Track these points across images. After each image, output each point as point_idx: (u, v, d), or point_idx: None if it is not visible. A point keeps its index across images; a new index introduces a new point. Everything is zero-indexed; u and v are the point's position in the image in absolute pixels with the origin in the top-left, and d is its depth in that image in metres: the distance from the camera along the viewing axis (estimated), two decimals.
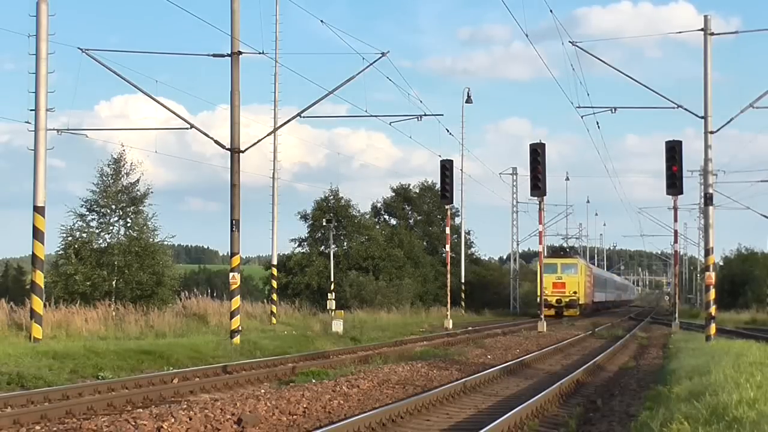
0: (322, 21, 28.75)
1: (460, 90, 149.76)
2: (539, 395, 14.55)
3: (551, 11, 26.35)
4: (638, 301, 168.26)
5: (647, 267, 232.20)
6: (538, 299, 51.59)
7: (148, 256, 38.02)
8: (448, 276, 50.27)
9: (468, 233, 70.11)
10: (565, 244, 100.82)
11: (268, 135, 34.78)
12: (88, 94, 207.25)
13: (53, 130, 25.85)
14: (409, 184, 69.31)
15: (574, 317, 59.76)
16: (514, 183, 75.22)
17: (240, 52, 27.15)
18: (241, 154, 27.10)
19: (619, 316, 67.90)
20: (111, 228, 38.49)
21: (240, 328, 26.64)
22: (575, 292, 63.36)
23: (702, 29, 26.10)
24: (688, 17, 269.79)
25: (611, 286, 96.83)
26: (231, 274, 27.05)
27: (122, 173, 38.58)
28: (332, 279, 44.67)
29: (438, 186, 46.75)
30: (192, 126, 27.93)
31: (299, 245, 59.51)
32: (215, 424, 11.63)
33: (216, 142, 27.68)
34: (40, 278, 23.55)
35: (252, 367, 20.63)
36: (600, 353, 25.70)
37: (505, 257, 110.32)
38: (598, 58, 33.27)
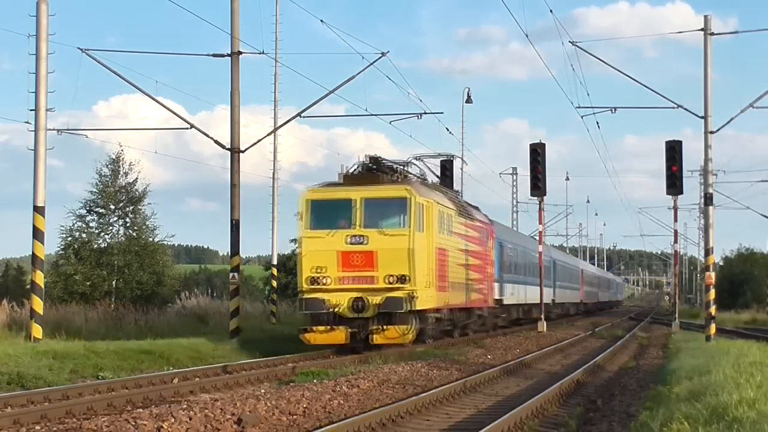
0: (322, 21, 28.26)
1: (459, 90, 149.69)
2: (539, 395, 14.54)
3: (551, 11, 26.26)
4: (638, 301, 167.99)
5: (647, 267, 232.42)
6: (300, 295, 24.46)
7: (147, 256, 38.05)
8: None
9: None
10: (565, 244, 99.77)
11: (268, 135, 34.76)
12: (87, 94, 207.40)
13: (53, 130, 25.82)
14: None
15: (400, 346, 24.51)
16: (514, 183, 75.14)
17: (240, 52, 27.18)
18: (241, 154, 27.10)
19: (618, 317, 67.56)
20: (110, 228, 38.53)
21: (240, 328, 26.62)
22: (404, 278, 24.05)
23: (702, 29, 26.11)
24: (685, 17, 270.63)
25: (565, 276, 59.15)
26: (231, 274, 27.04)
27: (120, 173, 38.63)
28: None
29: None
30: (192, 126, 27.94)
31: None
32: (215, 424, 11.63)
33: (216, 142, 27.71)
34: (40, 278, 23.54)
35: (252, 367, 20.62)
36: (600, 353, 25.69)
37: None
38: (599, 58, 33.28)
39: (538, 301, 44.49)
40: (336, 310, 23.88)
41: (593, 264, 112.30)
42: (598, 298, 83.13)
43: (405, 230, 24.10)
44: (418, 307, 24.05)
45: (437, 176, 32.44)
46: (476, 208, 35.98)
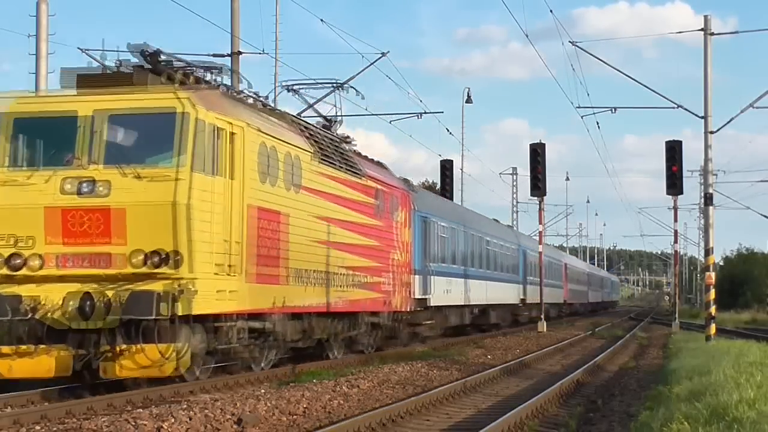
0: (322, 20, 28.26)
1: (459, 90, 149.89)
2: (539, 395, 14.55)
3: (551, 11, 26.26)
4: (638, 301, 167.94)
5: (647, 267, 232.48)
6: None
7: None
8: None
9: None
10: (565, 244, 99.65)
11: None
12: None
13: None
14: None
15: (168, 379, 14.61)
16: (514, 183, 75.17)
17: (240, 52, 27.13)
18: None
19: (618, 317, 67.45)
20: None
21: None
22: (168, 257, 13.66)
23: (702, 29, 26.11)
24: (685, 17, 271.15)
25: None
26: None
27: None
28: None
29: (438, 186, 46.80)
30: None
31: None
32: (215, 424, 11.63)
33: None
34: None
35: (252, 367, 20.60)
36: (600, 353, 25.71)
37: None
38: (599, 58, 33.33)
39: (500, 302, 38.00)
40: (44, 315, 13.73)
41: (593, 264, 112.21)
42: (587, 298, 75.26)
43: (171, 170, 13.95)
44: (198, 311, 14.05)
45: (328, 121, 22.78)
46: (381, 164, 25.01)
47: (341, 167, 20.30)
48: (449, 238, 30.58)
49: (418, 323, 26.77)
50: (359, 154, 23.06)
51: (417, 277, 25.92)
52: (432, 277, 27.64)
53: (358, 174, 21.45)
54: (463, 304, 32.31)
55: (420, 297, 26.25)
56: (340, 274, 20.15)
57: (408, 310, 25.02)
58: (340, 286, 20.15)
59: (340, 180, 20.14)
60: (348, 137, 23.10)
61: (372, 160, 24.22)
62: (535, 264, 46.60)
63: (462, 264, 32.21)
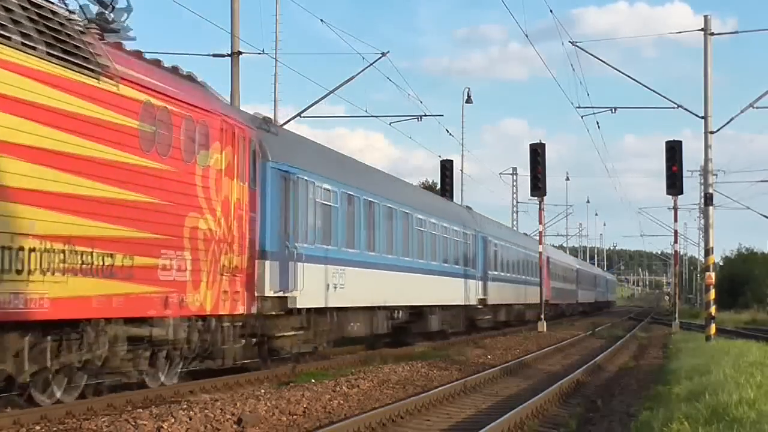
0: (322, 20, 28.26)
1: (458, 90, 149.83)
2: (539, 395, 14.55)
3: (551, 11, 26.29)
4: (638, 301, 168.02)
5: (647, 267, 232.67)
6: None
7: None
8: None
9: None
10: (565, 244, 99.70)
11: None
12: None
13: None
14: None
15: None
16: (514, 183, 75.14)
17: (240, 52, 27.18)
18: None
19: (618, 317, 67.42)
20: None
21: None
22: None
23: (702, 29, 26.14)
24: (684, 17, 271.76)
25: (512, 264, 43.00)
26: None
27: None
28: None
29: (438, 186, 46.82)
30: None
31: None
32: (215, 424, 11.63)
33: None
34: None
35: (252, 367, 20.59)
36: (600, 353, 25.71)
37: None
38: (599, 58, 33.34)
39: (446, 302, 30.33)
40: None
41: (593, 263, 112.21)
42: (576, 297, 66.50)
43: None
44: None
45: (101, 5, 13.68)
46: (191, 78, 15.92)
47: (32, 48, 10.97)
48: (341, 208, 21.56)
49: (274, 335, 18.53)
50: (121, 47, 13.77)
51: (268, 263, 17.56)
52: (300, 264, 18.80)
53: (93, 72, 12.13)
54: (374, 305, 23.90)
55: (275, 295, 17.94)
56: (29, 249, 10.87)
57: (242, 312, 16.72)
58: (30, 272, 10.92)
59: (19, 70, 10.67)
60: (106, 18, 13.79)
61: (159, 63, 15.12)
62: (501, 256, 39.84)
63: (368, 248, 23.50)
